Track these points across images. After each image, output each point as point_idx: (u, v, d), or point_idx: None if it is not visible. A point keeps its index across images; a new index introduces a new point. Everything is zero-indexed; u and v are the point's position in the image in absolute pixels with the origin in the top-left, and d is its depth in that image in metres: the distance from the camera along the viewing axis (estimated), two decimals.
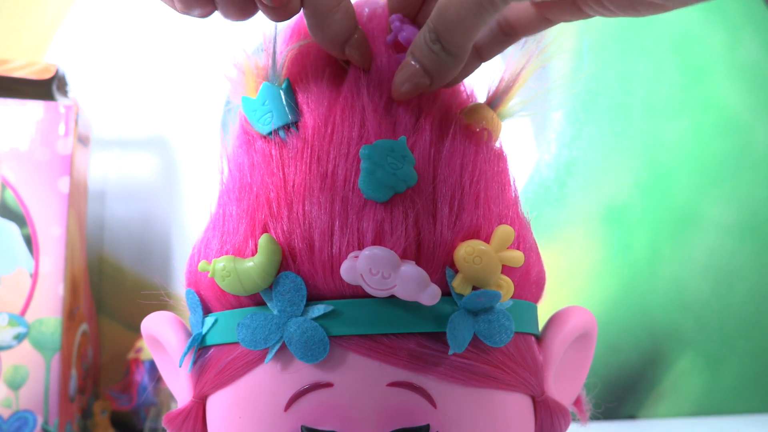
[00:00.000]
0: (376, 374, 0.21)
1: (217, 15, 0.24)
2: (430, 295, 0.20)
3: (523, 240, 0.24)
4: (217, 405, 0.24)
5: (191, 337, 0.24)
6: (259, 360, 0.22)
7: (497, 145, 0.25)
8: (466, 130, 0.24)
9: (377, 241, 0.21)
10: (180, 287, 0.71)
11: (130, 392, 0.59)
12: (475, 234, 0.22)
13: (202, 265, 0.23)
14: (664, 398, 0.73)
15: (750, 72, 0.75)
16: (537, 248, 0.25)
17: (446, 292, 0.21)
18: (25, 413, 0.50)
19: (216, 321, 0.23)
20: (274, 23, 0.24)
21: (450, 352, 0.21)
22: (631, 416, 0.73)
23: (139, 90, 0.68)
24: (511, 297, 0.22)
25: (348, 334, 0.21)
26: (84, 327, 0.58)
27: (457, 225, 0.22)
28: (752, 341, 0.75)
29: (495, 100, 0.26)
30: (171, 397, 0.59)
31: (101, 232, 0.66)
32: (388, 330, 0.21)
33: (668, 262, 0.73)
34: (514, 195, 0.25)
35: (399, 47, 0.25)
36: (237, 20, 0.23)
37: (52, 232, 0.51)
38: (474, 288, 0.22)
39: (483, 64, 0.26)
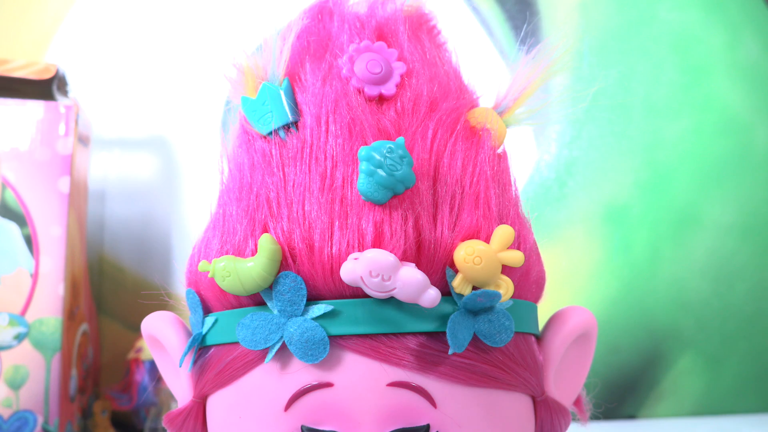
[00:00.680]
0: (377, 374, 0.21)
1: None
2: (429, 298, 0.20)
3: (524, 240, 0.24)
4: (218, 405, 0.24)
5: (191, 337, 0.24)
6: (259, 360, 0.22)
7: (501, 146, 0.26)
8: (469, 132, 0.24)
9: (377, 243, 0.21)
10: (180, 287, 0.71)
11: (131, 392, 0.59)
12: (475, 234, 0.22)
13: (202, 265, 0.23)
14: (664, 398, 0.73)
15: (751, 72, 0.75)
16: (537, 248, 0.25)
17: (446, 292, 0.22)
18: (25, 413, 0.50)
19: (216, 321, 0.24)
20: (273, 23, 0.24)
21: (450, 352, 0.21)
22: (630, 416, 0.73)
23: (139, 90, 0.68)
24: (511, 297, 0.22)
25: (348, 334, 0.21)
26: (84, 327, 0.58)
27: (457, 225, 0.22)
28: (753, 341, 0.75)
29: (502, 107, 0.26)
30: (171, 397, 0.59)
31: (101, 232, 0.66)
32: (388, 330, 0.21)
33: (668, 262, 0.73)
34: (514, 195, 0.25)
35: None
36: None
37: (52, 232, 0.51)
38: (474, 288, 0.22)
39: (491, 71, 0.25)
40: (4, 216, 0.50)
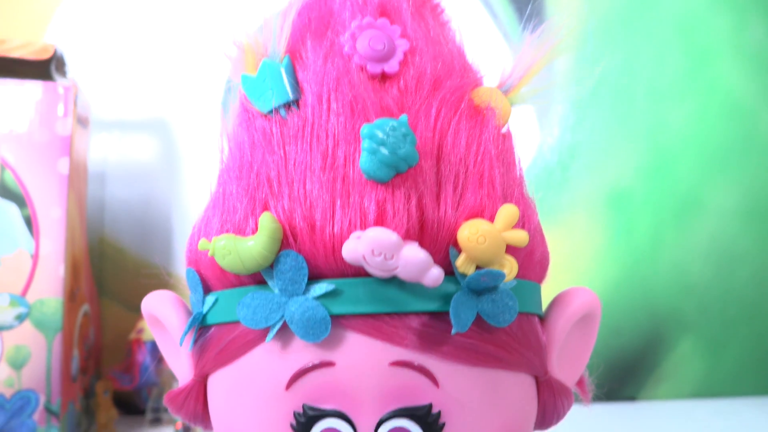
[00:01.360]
0: (379, 353, 0.21)
1: None
2: (432, 278, 0.20)
3: (528, 220, 0.24)
4: (218, 384, 0.23)
5: (192, 317, 0.24)
6: (259, 339, 0.22)
7: (506, 126, 0.25)
8: (473, 110, 0.24)
9: (379, 221, 0.21)
10: (181, 268, 0.71)
11: (132, 372, 0.59)
12: (479, 213, 0.21)
13: (201, 243, 0.22)
14: (665, 380, 0.73)
15: (756, 56, 0.75)
16: (541, 229, 0.25)
17: (449, 272, 0.21)
18: (27, 393, 0.50)
19: (216, 300, 0.23)
20: (274, 2, 0.24)
21: (453, 332, 0.21)
22: (631, 398, 0.73)
23: (139, 71, 0.68)
24: (515, 277, 0.22)
25: (350, 313, 0.21)
26: (85, 308, 0.58)
27: (460, 204, 0.21)
28: (753, 325, 0.75)
29: (506, 86, 0.25)
30: (173, 377, 0.59)
31: (102, 214, 0.66)
32: (390, 309, 0.21)
33: (671, 247, 0.73)
34: (519, 174, 0.25)
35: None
36: None
37: (52, 213, 0.51)
38: (478, 267, 0.21)
39: (495, 52, 0.24)
40: (4, 197, 0.50)
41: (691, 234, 0.74)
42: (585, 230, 0.72)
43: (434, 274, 0.20)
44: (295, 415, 0.21)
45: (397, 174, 0.21)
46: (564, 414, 0.26)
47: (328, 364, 0.21)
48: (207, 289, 0.24)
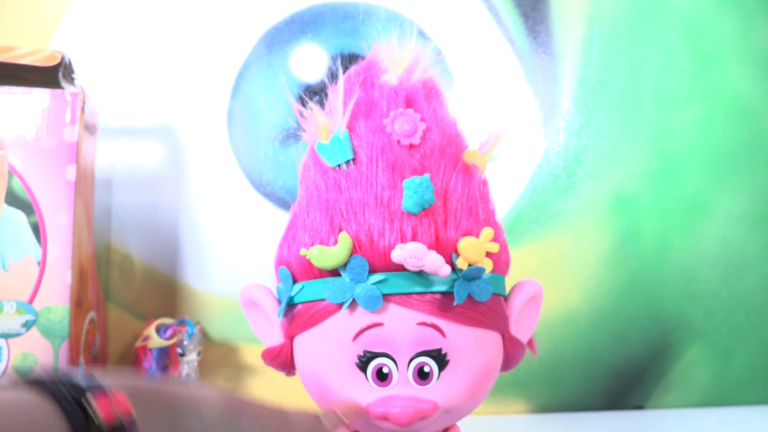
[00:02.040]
0: (410, 317, 0.33)
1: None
2: (444, 271, 0.33)
3: (497, 236, 0.36)
4: (305, 341, 0.36)
5: (286, 297, 0.36)
6: (336, 309, 0.34)
7: (483, 175, 0.38)
8: (465, 167, 0.36)
9: (413, 238, 0.34)
10: (187, 274, 0.70)
11: None
12: (470, 233, 0.35)
13: (302, 251, 0.35)
14: (672, 389, 0.73)
15: (763, 59, 0.74)
16: (505, 242, 0.38)
17: (453, 268, 0.34)
18: None
19: (303, 287, 0.35)
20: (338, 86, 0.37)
21: (455, 303, 0.34)
22: (638, 407, 0.72)
23: (146, 78, 0.68)
24: (491, 271, 0.35)
25: (393, 293, 0.33)
26: (92, 315, 0.58)
27: (458, 228, 0.34)
28: (761, 332, 0.74)
29: (484, 149, 0.38)
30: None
31: (108, 221, 0.66)
32: (418, 290, 0.34)
33: (677, 252, 0.73)
34: (492, 208, 0.38)
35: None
36: None
37: (59, 220, 0.51)
38: (469, 265, 0.34)
39: (478, 118, 0.39)
40: (11, 204, 0.50)
41: (698, 240, 0.73)
42: (591, 236, 0.71)
43: (445, 269, 0.33)
44: (359, 356, 0.34)
45: (423, 210, 0.34)
46: (519, 360, 0.38)
47: (379, 324, 0.33)
48: (294, 280, 0.36)
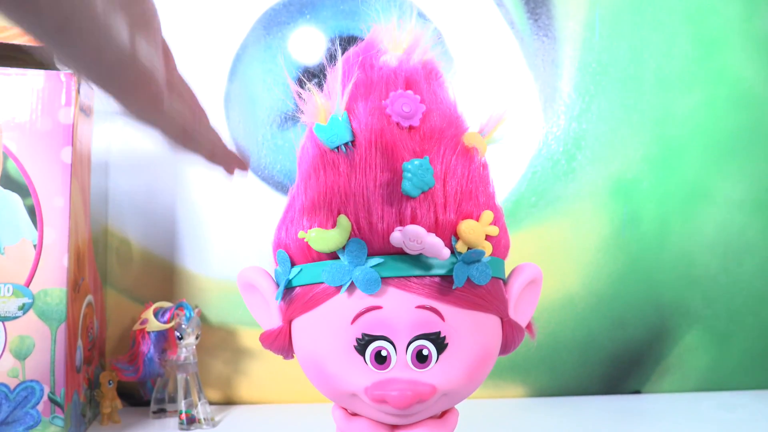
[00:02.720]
0: (409, 300, 0.33)
1: None
2: (443, 254, 0.32)
3: (497, 220, 0.36)
4: (303, 324, 0.35)
5: (285, 280, 0.35)
6: (335, 292, 0.34)
7: (483, 158, 0.37)
8: (465, 150, 0.36)
9: (412, 221, 0.33)
10: (185, 257, 0.70)
11: (137, 363, 0.59)
12: (469, 216, 0.34)
13: (300, 233, 0.34)
14: (670, 373, 0.73)
15: (765, 44, 0.74)
16: (505, 225, 0.37)
17: (452, 251, 0.34)
18: (31, 383, 0.50)
19: (301, 270, 0.35)
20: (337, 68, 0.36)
21: (453, 287, 0.33)
22: (636, 391, 0.73)
23: None
24: (490, 255, 0.35)
25: (392, 276, 0.33)
26: (89, 298, 0.58)
27: (458, 211, 0.34)
28: (759, 317, 0.75)
29: (484, 132, 0.37)
30: (176, 368, 0.59)
31: (105, 205, 0.66)
32: (417, 273, 0.33)
33: (677, 237, 0.73)
34: (492, 191, 0.37)
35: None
36: None
37: (55, 202, 0.50)
38: (469, 248, 0.34)
39: (477, 101, 0.38)
40: (7, 187, 0.50)
41: (697, 225, 0.73)
42: (590, 220, 0.71)
43: (445, 252, 0.32)
44: (357, 339, 0.33)
45: (422, 192, 0.33)
46: (517, 344, 0.37)
47: (378, 307, 0.33)
48: (292, 263, 0.35)
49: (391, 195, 0.33)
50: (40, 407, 0.50)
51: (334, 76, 0.36)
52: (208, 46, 0.67)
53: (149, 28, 0.26)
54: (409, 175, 0.33)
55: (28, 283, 0.50)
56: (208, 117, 0.32)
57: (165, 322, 0.59)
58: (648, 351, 0.73)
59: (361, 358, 0.34)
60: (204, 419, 0.58)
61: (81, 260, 0.55)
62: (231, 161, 0.34)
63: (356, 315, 0.33)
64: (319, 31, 0.68)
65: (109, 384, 0.59)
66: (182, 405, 0.57)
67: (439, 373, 0.34)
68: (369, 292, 0.33)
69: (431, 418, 0.36)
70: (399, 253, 0.33)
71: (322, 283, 0.34)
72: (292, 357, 0.38)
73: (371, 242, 0.33)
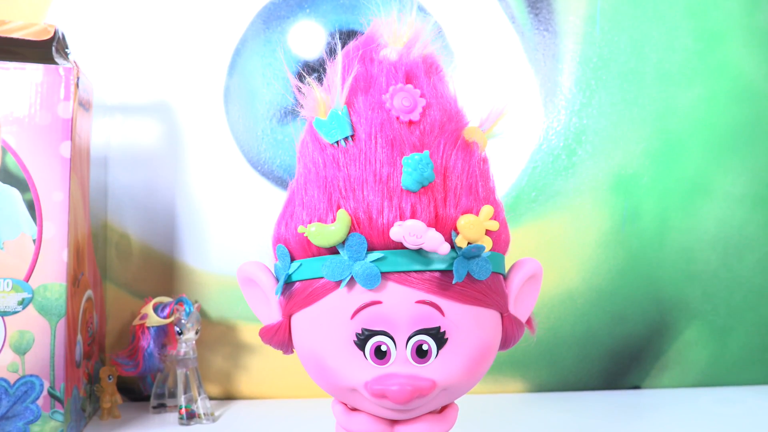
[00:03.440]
0: (408, 295, 0.33)
1: None
2: (443, 249, 0.32)
3: (497, 214, 0.36)
4: (302, 319, 0.35)
5: (284, 275, 0.35)
6: (334, 287, 0.34)
7: (483, 153, 0.37)
8: (465, 144, 0.36)
9: (412, 216, 0.33)
10: (185, 252, 0.70)
11: (137, 358, 0.59)
12: (469, 210, 0.34)
13: (300, 228, 0.34)
14: (669, 369, 0.73)
15: (767, 38, 0.73)
16: (505, 220, 0.38)
17: (452, 246, 0.34)
18: (31, 378, 0.50)
19: (300, 265, 0.35)
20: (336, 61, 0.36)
21: (454, 282, 0.33)
22: (635, 386, 0.73)
23: (141, 54, 0.67)
24: (490, 249, 0.34)
25: (392, 271, 0.33)
26: (89, 293, 0.58)
27: (458, 205, 0.34)
28: (759, 312, 0.75)
29: (484, 126, 0.38)
30: (176, 363, 0.59)
31: (105, 199, 0.66)
32: (417, 268, 0.33)
33: (677, 232, 0.73)
34: (492, 185, 0.37)
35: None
36: None
37: (54, 197, 0.50)
38: (469, 243, 0.33)
39: (478, 95, 0.38)
40: (6, 181, 0.50)
41: (698, 220, 0.73)
42: (590, 215, 0.71)
43: (445, 247, 0.32)
44: (357, 334, 0.33)
45: (422, 187, 0.33)
46: (517, 339, 0.37)
47: (377, 302, 0.33)
48: (292, 258, 0.35)
49: (391, 189, 0.33)
50: (39, 402, 0.50)
51: (334, 70, 0.35)
52: (208, 40, 0.67)
53: None
54: (409, 169, 0.33)
55: (27, 278, 0.50)
56: None
57: (165, 317, 0.59)
58: (647, 346, 0.73)
59: (361, 353, 0.34)
60: (204, 414, 0.58)
61: (80, 255, 0.55)
62: None
63: (356, 310, 0.33)
64: (318, 25, 0.68)
65: (109, 379, 0.59)
66: (182, 400, 0.58)
67: (439, 368, 0.34)
68: (369, 287, 0.33)
69: (431, 413, 0.36)
70: (399, 248, 0.33)
71: (321, 278, 0.34)
72: (292, 352, 0.38)
73: (371, 237, 0.33)
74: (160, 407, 0.61)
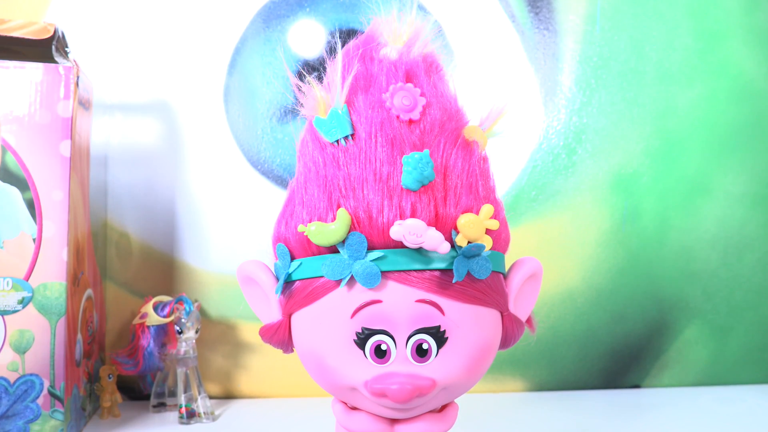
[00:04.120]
0: (408, 294, 0.33)
1: None
2: (443, 248, 0.32)
3: (497, 213, 0.36)
4: (302, 318, 0.35)
5: (284, 273, 0.35)
6: (334, 286, 0.34)
7: (483, 152, 0.37)
8: (465, 143, 0.36)
9: (412, 215, 0.33)
10: (185, 252, 0.70)
11: (137, 357, 0.59)
12: (469, 209, 0.34)
13: (300, 227, 0.34)
14: (669, 368, 0.73)
15: (767, 37, 0.73)
16: (505, 219, 0.38)
17: (452, 245, 0.34)
18: (31, 377, 0.50)
19: (300, 264, 0.35)
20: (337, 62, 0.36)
21: (454, 281, 0.33)
22: (635, 385, 0.73)
23: (141, 53, 0.67)
24: (490, 249, 0.34)
25: (392, 270, 0.33)
26: (89, 292, 0.58)
27: (459, 204, 0.34)
28: (759, 312, 0.75)
29: (484, 125, 0.38)
30: (176, 362, 0.59)
31: (105, 198, 0.66)
32: (417, 267, 0.33)
33: (677, 232, 0.73)
34: (492, 184, 0.37)
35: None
36: None
37: (54, 196, 0.50)
38: (469, 242, 0.33)
39: (478, 94, 0.37)
40: (5, 180, 0.50)
41: (698, 219, 0.73)
42: (590, 215, 0.71)
43: (445, 246, 0.32)
44: (357, 333, 0.33)
45: (422, 186, 0.33)
46: (518, 338, 0.37)
47: (377, 301, 0.33)
48: (292, 257, 0.35)
49: (391, 188, 0.33)
50: (40, 401, 0.50)
51: (334, 69, 0.35)
52: (208, 39, 0.67)
53: None
54: (409, 168, 0.33)
55: (27, 277, 0.50)
56: None
57: (165, 316, 0.59)
58: (647, 345, 0.73)
59: (361, 352, 0.34)
60: (204, 413, 0.58)
61: (80, 254, 0.55)
62: None
63: (356, 309, 0.33)
64: (318, 23, 0.68)
65: (109, 378, 0.59)
66: (182, 399, 0.58)
67: (439, 367, 0.34)
68: (369, 286, 0.33)
69: (431, 412, 0.36)
70: (399, 247, 0.33)
71: (321, 277, 0.34)
72: (292, 351, 0.38)
73: (371, 236, 0.33)
74: (160, 406, 0.61)
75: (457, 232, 0.33)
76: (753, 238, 0.74)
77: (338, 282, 0.33)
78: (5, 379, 0.49)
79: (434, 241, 0.32)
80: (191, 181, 0.67)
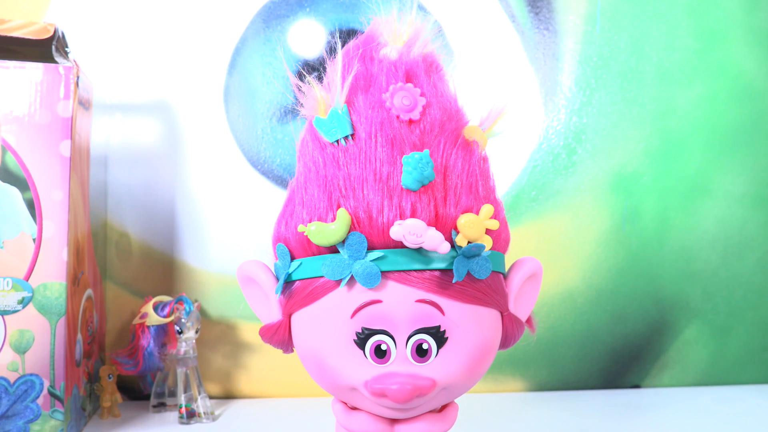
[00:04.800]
0: (409, 294, 0.33)
1: None
2: (443, 248, 0.32)
3: (497, 213, 0.36)
4: (302, 318, 0.35)
5: (284, 273, 0.35)
6: (334, 286, 0.34)
7: (483, 152, 0.37)
8: (465, 143, 0.36)
9: (412, 215, 0.33)
10: (185, 252, 0.70)
11: (137, 357, 0.59)
12: (469, 209, 0.34)
13: (300, 227, 0.34)
14: (669, 368, 0.73)
15: (767, 37, 0.73)
16: (505, 219, 0.38)
17: (452, 245, 0.34)
18: (31, 377, 0.50)
19: (301, 264, 0.35)
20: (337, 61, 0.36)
21: (454, 281, 0.33)
22: (635, 385, 0.73)
23: (141, 53, 0.67)
24: (490, 249, 0.34)
25: (392, 270, 0.33)
26: (89, 292, 0.58)
27: (459, 204, 0.34)
28: (759, 312, 0.75)
29: (484, 125, 0.38)
30: (176, 362, 0.59)
31: (105, 198, 0.66)
32: (417, 267, 0.33)
33: (677, 232, 0.73)
34: (492, 185, 0.37)
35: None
36: None
37: (54, 196, 0.50)
38: (469, 242, 0.33)
39: (478, 94, 0.37)
40: (6, 180, 0.50)
41: (698, 219, 0.73)
42: (590, 215, 0.71)
43: (445, 246, 0.32)
44: (357, 333, 0.33)
45: (422, 186, 0.33)
46: (517, 338, 0.37)
47: (377, 301, 0.33)
48: (292, 257, 0.35)
49: (391, 188, 0.33)
50: (40, 401, 0.50)
51: (334, 69, 0.35)
52: (208, 39, 0.67)
53: None
54: (409, 168, 0.33)
55: (27, 277, 0.50)
56: None
57: (165, 316, 0.59)
58: (647, 345, 0.73)
59: (361, 352, 0.34)
60: (204, 413, 0.58)
61: (80, 254, 0.55)
62: None
63: (356, 309, 0.33)
64: (318, 23, 0.68)
65: (109, 378, 0.59)
66: (182, 399, 0.58)
67: (439, 367, 0.34)
68: (369, 286, 0.33)
69: (431, 412, 0.36)
70: (399, 247, 0.33)
71: (321, 277, 0.34)
72: (292, 351, 0.38)
73: (371, 236, 0.33)
74: (160, 406, 0.61)
75: (457, 232, 0.33)
76: (753, 238, 0.74)
77: (338, 282, 0.33)
78: (5, 379, 0.49)
79: (434, 241, 0.32)
80: (191, 181, 0.67)
